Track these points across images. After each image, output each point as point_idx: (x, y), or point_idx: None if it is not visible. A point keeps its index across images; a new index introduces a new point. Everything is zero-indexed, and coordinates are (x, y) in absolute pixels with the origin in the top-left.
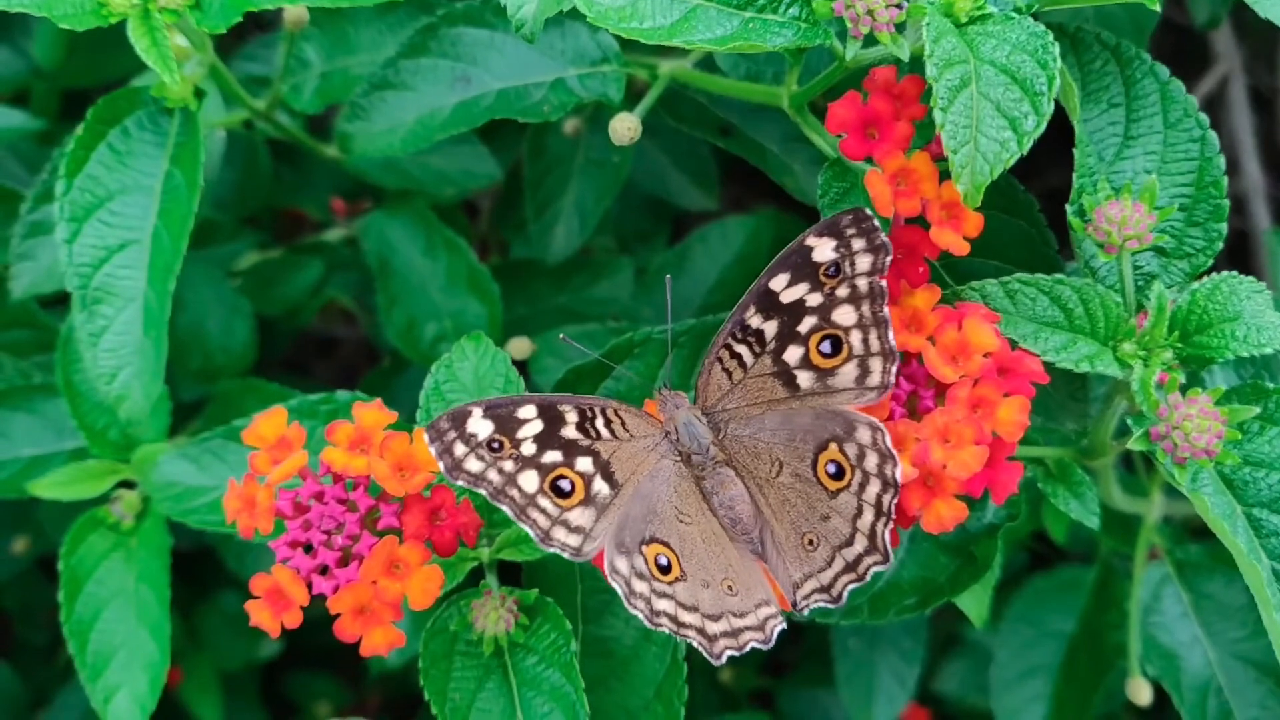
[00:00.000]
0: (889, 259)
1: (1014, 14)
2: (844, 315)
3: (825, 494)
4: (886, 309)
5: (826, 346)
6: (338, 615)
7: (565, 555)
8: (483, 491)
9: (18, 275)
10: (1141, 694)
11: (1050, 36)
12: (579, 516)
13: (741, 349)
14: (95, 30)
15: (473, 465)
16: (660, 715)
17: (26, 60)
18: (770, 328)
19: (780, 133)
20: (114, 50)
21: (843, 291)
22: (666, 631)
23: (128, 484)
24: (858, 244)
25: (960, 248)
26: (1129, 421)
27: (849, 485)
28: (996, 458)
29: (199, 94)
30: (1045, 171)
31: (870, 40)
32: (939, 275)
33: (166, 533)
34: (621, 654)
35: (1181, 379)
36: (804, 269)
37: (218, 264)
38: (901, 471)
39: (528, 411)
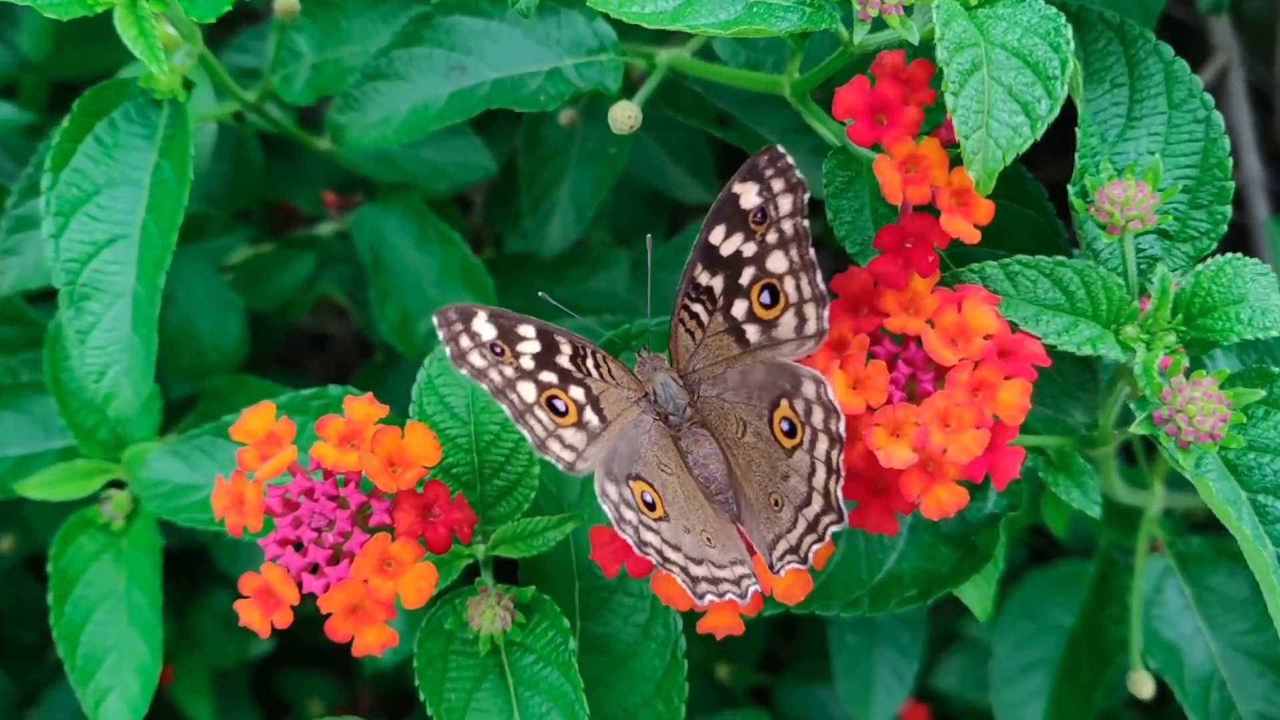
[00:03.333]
0: (807, 195)
1: None
2: (776, 262)
3: (783, 453)
4: (811, 251)
5: (766, 297)
6: (329, 614)
7: (560, 468)
8: (484, 387)
9: (4, 271)
10: (1144, 687)
11: (1063, 19)
12: (572, 436)
13: (698, 308)
14: (84, 22)
15: (476, 360)
16: (660, 713)
17: (14, 53)
18: (718, 283)
19: (780, 124)
20: (104, 42)
21: (772, 237)
22: (653, 561)
23: (118, 484)
24: (777, 184)
25: (971, 236)
26: (1132, 406)
27: (801, 443)
28: (997, 442)
29: (188, 85)
30: (1045, 167)
31: (878, 24)
32: (946, 266)
33: (157, 533)
34: (620, 651)
35: (1185, 363)
36: (735, 218)
37: (208, 259)
38: (845, 425)
39: (527, 330)
